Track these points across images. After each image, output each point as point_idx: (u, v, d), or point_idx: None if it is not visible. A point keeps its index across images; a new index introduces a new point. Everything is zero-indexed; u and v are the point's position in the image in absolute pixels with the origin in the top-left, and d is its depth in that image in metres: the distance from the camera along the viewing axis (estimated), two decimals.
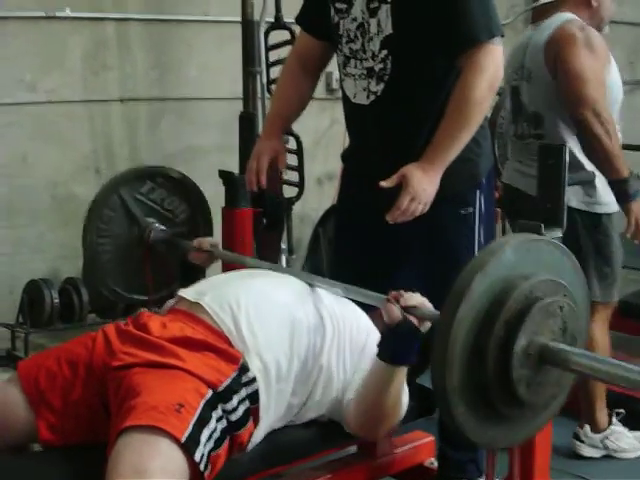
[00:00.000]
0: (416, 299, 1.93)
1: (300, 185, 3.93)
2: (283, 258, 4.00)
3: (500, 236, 3.34)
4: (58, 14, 3.85)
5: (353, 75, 2.40)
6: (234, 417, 1.88)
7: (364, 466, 2.35)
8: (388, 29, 2.29)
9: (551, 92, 2.88)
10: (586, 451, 3.08)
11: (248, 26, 3.85)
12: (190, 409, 1.78)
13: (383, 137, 2.40)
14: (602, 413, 3.06)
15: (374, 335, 2.10)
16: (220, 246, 2.60)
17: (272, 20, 3.95)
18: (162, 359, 1.90)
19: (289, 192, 3.94)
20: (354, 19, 2.35)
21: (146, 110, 4.21)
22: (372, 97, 2.37)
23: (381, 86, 2.34)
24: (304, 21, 2.58)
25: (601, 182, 2.86)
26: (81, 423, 1.95)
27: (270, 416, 1.99)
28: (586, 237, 2.90)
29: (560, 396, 1.79)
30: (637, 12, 5.62)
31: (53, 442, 1.95)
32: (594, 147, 2.80)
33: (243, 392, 1.92)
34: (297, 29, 2.64)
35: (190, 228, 2.80)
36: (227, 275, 2.34)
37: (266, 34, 3.93)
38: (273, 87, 3.67)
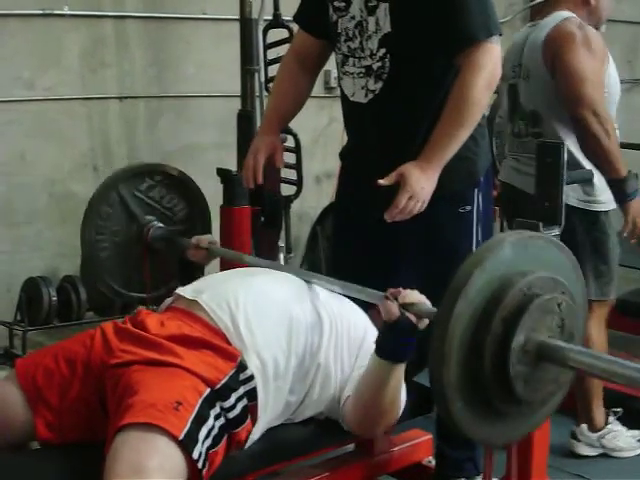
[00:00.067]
0: (414, 296, 1.93)
1: (298, 183, 3.93)
2: (281, 256, 3.99)
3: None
4: (56, 11, 3.85)
5: (351, 73, 2.40)
6: (232, 415, 1.89)
7: (362, 464, 2.35)
8: (386, 27, 2.29)
9: (549, 91, 2.88)
10: (583, 450, 3.08)
11: (246, 24, 3.84)
12: (188, 407, 1.79)
13: (381, 135, 2.40)
14: (599, 412, 3.07)
15: (372, 333, 2.10)
16: (218, 244, 2.60)
17: (270, 18, 3.95)
18: (160, 357, 1.91)
19: (287, 190, 3.94)
20: (352, 17, 2.35)
21: (144, 108, 4.21)
22: (370, 96, 2.37)
23: (379, 85, 2.34)
24: (302, 19, 2.58)
25: (599, 180, 2.86)
26: (79, 421, 1.95)
27: (268, 414, 1.99)
28: (583, 235, 2.90)
29: (558, 393, 1.79)
30: (635, 10, 5.62)
31: (51, 440, 1.95)
32: (592, 146, 2.80)
33: (241, 390, 1.92)
34: (295, 27, 2.64)
35: (189, 226, 2.80)
36: (225, 273, 2.34)
37: (264, 32, 3.93)
38: (271, 85, 3.67)
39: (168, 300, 2.19)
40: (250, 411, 1.93)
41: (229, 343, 1.98)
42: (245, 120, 3.79)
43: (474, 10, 2.23)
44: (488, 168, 2.50)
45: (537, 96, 2.93)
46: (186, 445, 1.74)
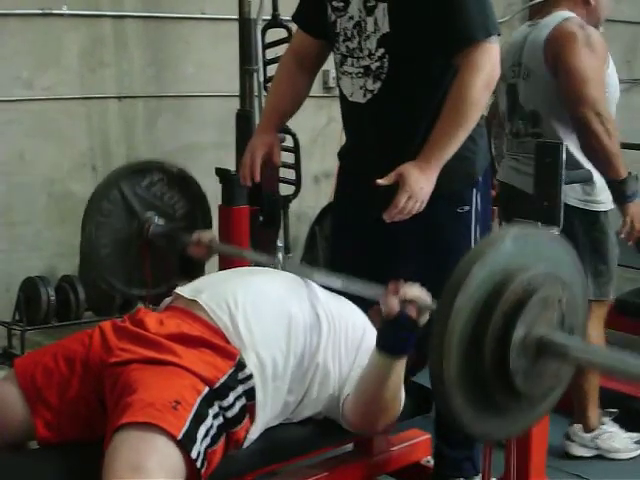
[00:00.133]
0: (415, 291, 1.93)
1: (297, 183, 3.93)
2: (279, 256, 3.99)
3: None
4: (55, 11, 3.85)
5: (350, 73, 2.40)
6: (230, 414, 1.89)
7: (360, 464, 2.35)
8: (385, 28, 2.29)
9: (550, 91, 2.87)
10: (577, 450, 3.07)
11: (245, 24, 3.85)
12: (187, 406, 1.79)
13: (380, 135, 2.40)
14: (594, 412, 3.06)
15: (370, 333, 2.10)
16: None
17: (269, 18, 3.95)
18: (159, 355, 1.91)
19: (286, 190, 3.94)
20: (351, 17, 2.35)
21: (143, 107, 4.21)
22: (369, 95, 2.37)
23: (378, 85, 2.34)
24: (301, 19, 2.58)
25: (599, 180, 2.86)
26: (78, 420, 1.95)
27: (266, 413, 1.99)
28: (583, 234, 2.90)
29: (558, 389, 1.79)
30: (634, 10, 5.61)
31: (50, 439, 1.95)
32: (594, 146, 2.80)
33: (240, 389, 1.92)
34: (294, 27, 2.64)
35: (189, 223, 2.79)
36: (224, 273, 2.34)
37: (263, 32, 3.93)
38: (270, 85, 3.67)
39: (167, 300, 2.19)
40: (248, 410, 1.94)
41: (228, 342, 1.98)
42: (244, 120, 3.79)
43: (472, 10, 2.23)
44: (486, 168, 2.50)
45: (537, 96, 2.93)
46: (185, 444, 1.74)
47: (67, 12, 3.88)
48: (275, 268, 2.30)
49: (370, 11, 2.30)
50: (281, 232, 3.97)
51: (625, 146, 3.13)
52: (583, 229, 2.89)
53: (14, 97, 3.82)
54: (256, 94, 3.92)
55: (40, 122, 3.92)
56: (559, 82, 2.84)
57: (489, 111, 3.22)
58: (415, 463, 2.50)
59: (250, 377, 1.95)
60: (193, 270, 2.50)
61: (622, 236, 2.91)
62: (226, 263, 2.84)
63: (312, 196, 4.57)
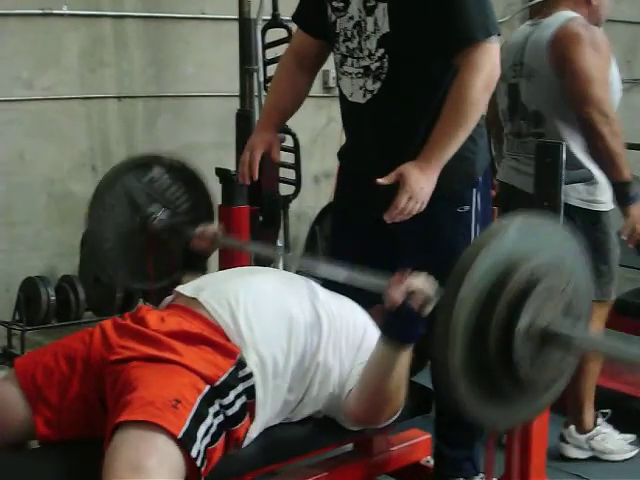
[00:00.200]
0: (419, 282, 1.91)
1: (297, 183, 3.94)
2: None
3: None
4: (55, 11, 3.85)
5: (350, 74, 2.40)
6: (230, 412, 1.89)
7: (360, 464, 2.35)
8: (385, 28, 2.29)
9: (554, 91, 2.87)
10: (571, 452, 3.07)
11: (245, 24, 3.85)
12: (187, 405, 1.79)
13: (380, 136, 2.40)
14: (589, 414, 3.05)
15: (371, 331, 2.10)
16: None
17: (269, 18, 3.95)
18: (159, 353, 1.91)
19: (286, 190, 3.94)
20: (351, 17, 2.35)
21: (143, 107, 4.21)
22: (369, 96, 2.37)
23: (378, 85, 2.34)
24: (301, 19, 2.58)
25: (600, 180, 2.86)
26: (78, 418, 1.95)
27: (267, 412, 1.99)
28: (584, 234, 2.88)
29: (560, 380, 1.79)
30: (634, 10, 5.61)
31: (50, 437, 1.95)
32: (598, 146, 2.80)
33: (240, 387, 1.92)
34: (294, 27, 2.64)
35: (193, 217, 2.78)
36: (225, 273, 2.35)
37: (263, 32, 3.94)
38: (270, 84, 3.67)
39: (168, 298, 2.19)
40: (249, 408, 1.94)
41: (228, 340, 1.98)
42: (244, 120, 3.79)
43: (472, 10, 2.23)
44: (487, 168, 2.50)
45: (540, 96, 2.92)
46: (185, 443, 1.74)
47: (67, 12, 3.89)
48: (278, 262, 2.29)
49: (370, 11, 2.30)
50: (281, 232, 3.97)
51: (627, 146, 3.13)
52: (584, 229, 2.88)
53: (14, 97, 3.83)
54: (256, 94, 3.93)
55: (40, 122, 3.92)
56: (564, 82, 2.83)
57: (489, 111, 3.22)
58: (415, 463, 2.50)
59: (250, 375, 1.95)
60: (197, 264, 2.50)
61: (623, 237, 2.91)
62: (226, 260, 2.84)
63: (312, 196, 4.57)
